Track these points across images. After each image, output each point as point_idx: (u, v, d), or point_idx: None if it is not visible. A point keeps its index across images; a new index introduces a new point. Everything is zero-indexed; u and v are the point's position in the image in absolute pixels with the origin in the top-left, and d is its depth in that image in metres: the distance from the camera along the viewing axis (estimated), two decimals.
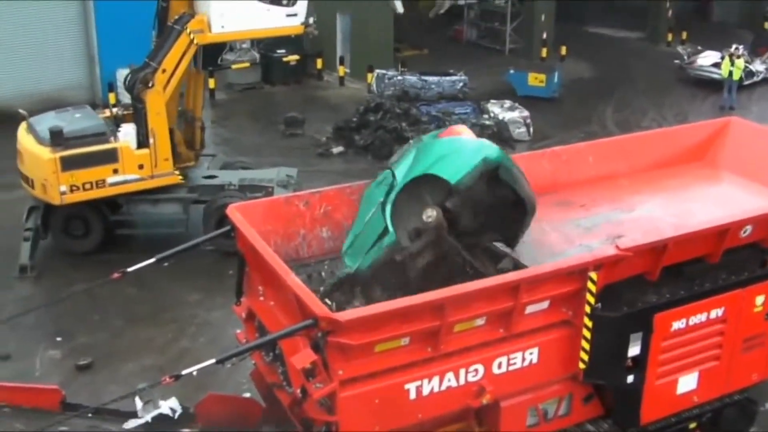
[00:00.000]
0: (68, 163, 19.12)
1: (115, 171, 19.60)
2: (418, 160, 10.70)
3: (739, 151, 13.89)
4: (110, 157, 19.54)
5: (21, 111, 20.45)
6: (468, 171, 10.15)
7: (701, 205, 12.54)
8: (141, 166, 19.75)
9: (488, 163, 10.19)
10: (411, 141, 11.75)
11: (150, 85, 19.26)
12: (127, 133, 19.71)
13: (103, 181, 19.58)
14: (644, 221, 11.86)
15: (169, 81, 19.37)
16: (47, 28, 30.31)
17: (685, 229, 10.82)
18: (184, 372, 9.07)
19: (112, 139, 19.64)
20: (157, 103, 19.45)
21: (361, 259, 10.41)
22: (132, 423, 11.51)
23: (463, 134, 10.96)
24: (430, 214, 10.12)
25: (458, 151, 10.49)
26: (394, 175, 10.79)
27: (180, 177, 20.22)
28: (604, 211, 12.35)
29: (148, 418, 11.38)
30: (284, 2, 19.76)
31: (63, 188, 19.26)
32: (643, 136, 14.54)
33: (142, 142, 19.70)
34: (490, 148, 10.44)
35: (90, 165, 19.39)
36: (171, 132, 19.98)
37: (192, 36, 19.24)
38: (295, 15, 20.09)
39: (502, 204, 10.60)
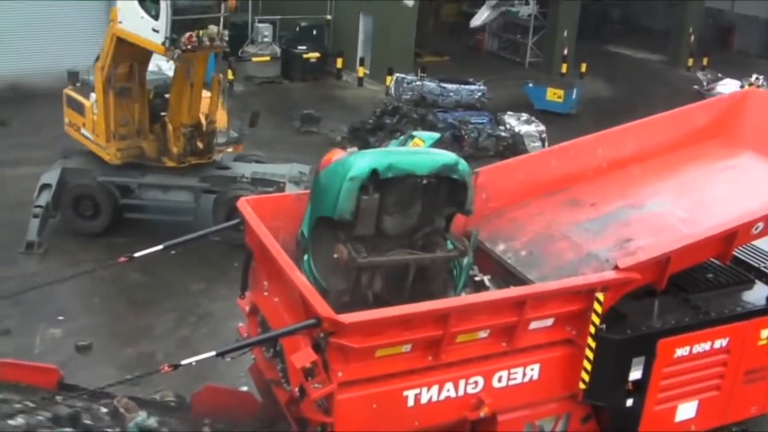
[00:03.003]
0: (67, 101, 21.75)
1: (84, 124, 20.94)
2: (310, 201, 10.57)
3: (758, 125, 13.32)
4: (80, 109, 21.23)
5: None
6: (341, 198, 9.78)
7: (715, 192, 12.13)
8: (93, 130, 20.64)
9: (356, 179, 9.76)
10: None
11: (96, 59, 20.19)
12: (94, 96, 20.58)
13: (78, 128, 21.30)
14: (654, 219, 11.50)
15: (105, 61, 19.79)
16: (69, 7, 30.39)
17: (688, 239, 10.56)
18: (183, 362, 9.03)
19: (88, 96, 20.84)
20: (98, 78, 20.06)
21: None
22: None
23: (333, 159, 10.49)
24: (336, 253, 9.95)
25: (329, 180, 10.10)
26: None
27: (111, 156, 20.50)
28: (613, 209, 11.93)
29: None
30: (152, 13, 18.51)
31: (66, 120, 21.86)
32: (654, 120, 13.65)
33: None
34: (355, 168, 9.86)
35: (73, 109, 21.57)
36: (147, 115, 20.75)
37: (112, 24, 19.43)
38: (157, 32, 18.44)
39: (420, 188, 10.31)
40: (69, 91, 21.84)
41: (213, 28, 18.55)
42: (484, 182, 11.93)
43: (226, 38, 18.91)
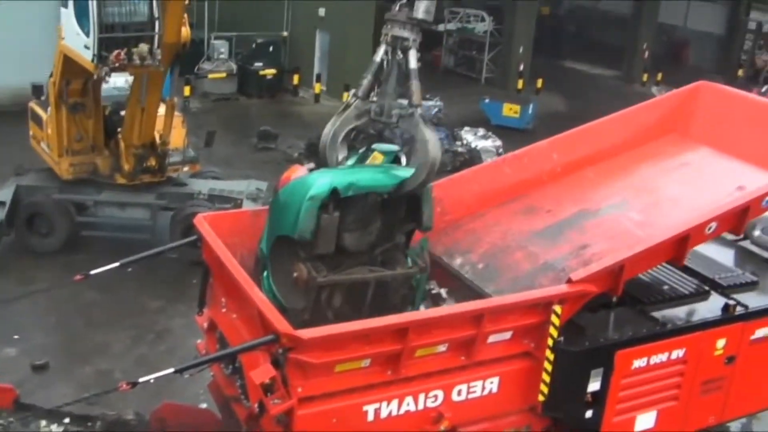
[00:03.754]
0: (30, 115, 22.03)
1: (43, 138, 21.10)
2: (269, 219, 10.57)
3: (711, 119, 13.24)
4: (40, 123, 21.31)
5: None
6: (301, 218, 9.71)
7: (669, 192, 12.10)
8: (49, 144, 20.75)
9: (316, 198, 9.70)
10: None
11: (50, 75, 20.11)
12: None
13: (39, 141, 21.46)
14: (609, 224, 11.54)
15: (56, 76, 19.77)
16: (25, 21, 30.21)
17: (640, 246, 10.52)
18: (141, 379, 8.96)
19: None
20: (51, 94, 20.12)
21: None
22: None
23: (292, 177, 10.40)
24: (296, 272, 9.90)
25: (289, 199, 10.04)
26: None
27: (63, 171, 20.47)
28: (569, 215, 11.93)
29: None
30: (85, 29, 18.34)
31: (30, 133, 22.04)
32: (607, 120, 13.46)
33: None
34: (315, 187, 9.79)
35: (35, 122, 21.71)
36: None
37: (59, 40, 19.43)
38: (88, 48, 18.29)
39: (380, 205, 10.33)
40: (33, 105, 21.83)
41: (144, 47, 18.28)
42: (439, 195, 11.92)
43: (158, 57, 18.53)
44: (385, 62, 10.50)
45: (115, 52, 17.91)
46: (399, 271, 10.46)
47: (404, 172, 10.28)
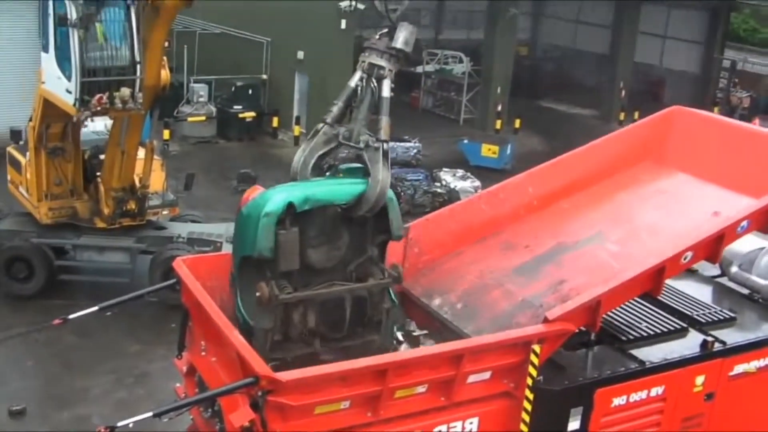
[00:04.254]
0: (9, 159, 21.94)
1: (21, 183, 21.17)
2: (233, 240, 10.63)
3: (684, 144, 13.19)
4: (18, 168, 21.38)
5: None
6: (259, 235, 9.75)
7: (645, 220, 12.08)
8: (27, 189, 20.74)
9: (272, 214, 9.74)
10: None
11: (29, 119, 20.12)
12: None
13: (17, 186, 21.53)
14: (586, 257, 11.52)
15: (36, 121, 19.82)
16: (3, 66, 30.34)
17: (615, 281, 10.48)
18: (119, 423, 8.92)
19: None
20: (30, 138, 20.21)
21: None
22: None
23: (251, 196, 10.48)
24: (258, 291, 9.83)
25: (248, 217, 10.09)
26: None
27: (41, 215, 20.41)
28: (546, 250, 11.88)
29: None
30: (66, 73, 18.32)
31: (9, 177, 22.10)
32: (582, 151, 13.32)
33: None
34: (271, 203, 9.85)
35: (13, 167, 21.79)
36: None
37: (38, 85, 19.47)
38: (70, 93, 18.22)
39: (344, 218, 10.32)
40: (11, 149, 21.83)
41: (125, 91, 18.19)
42: (416, 236, 11.97)
43: (140, 100, 18.46)
44: (359, 89, 10.51)
45: (97, 96, 17.89)
46: (371, 282, 10.41)
47: (360, 184, 10.27)
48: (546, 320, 9.94)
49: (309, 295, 10.04)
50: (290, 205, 9.78)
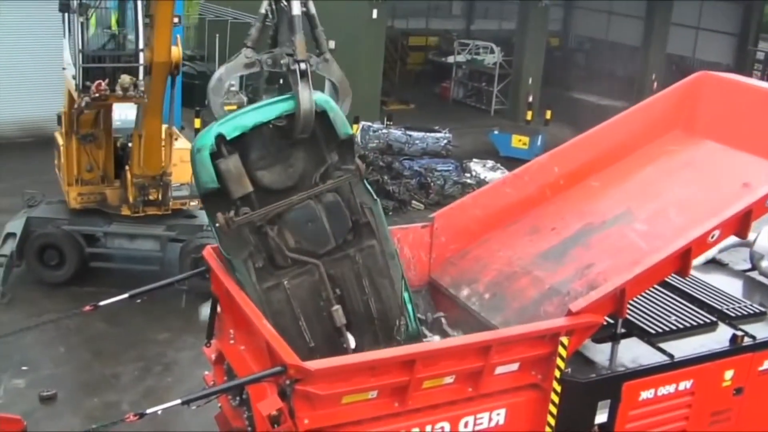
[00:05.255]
0: (55, 143, 21.98)
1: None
2: None
3: (714, 111, 12.73)
4: (57, 146, 21.64)
5: None
6: (198, 172, 9.91)
7: (674, 196, 11.73)
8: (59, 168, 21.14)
9: (203, 148, 9.77)
10: None
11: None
12: None
13: (59, 169, 21.66)
14: (613, 238, 11.28)
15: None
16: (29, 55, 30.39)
17: (639, 267, 10.24)
18: (148, 411, 8.98)
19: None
20: (63, 123, 20.51)
21: None
22: None
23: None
24: (217, 222, 9.72)
25: (191, 164, 10.14)
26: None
27: (70, 199, 20.59)
28: (574, 232, 11.65)
29: None
30: (72, 60, 18.68)
31: (55, 162, 22.18)
32: (608, 125, 13.00)
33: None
34: (200, 139, 9.94)
35: (57, 151, 21.77)
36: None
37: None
38: (75, 78, 18.54)
39: (288, 135, 10.23)
40: (57, 134, 21.87)
41: (126, 78, 18.16)
42: (441, 225, 11.93)
43: (142, 88, 18.37)
44: (268, 12, 10.56)
45: (96, 82, 17.94)
46: (328, 183, 10.28)
47: (285, 100, 10.29)
48: (570, 312, 9.88)
49: (267, 211, 9.99)
50: (220, 136, 9.81)
